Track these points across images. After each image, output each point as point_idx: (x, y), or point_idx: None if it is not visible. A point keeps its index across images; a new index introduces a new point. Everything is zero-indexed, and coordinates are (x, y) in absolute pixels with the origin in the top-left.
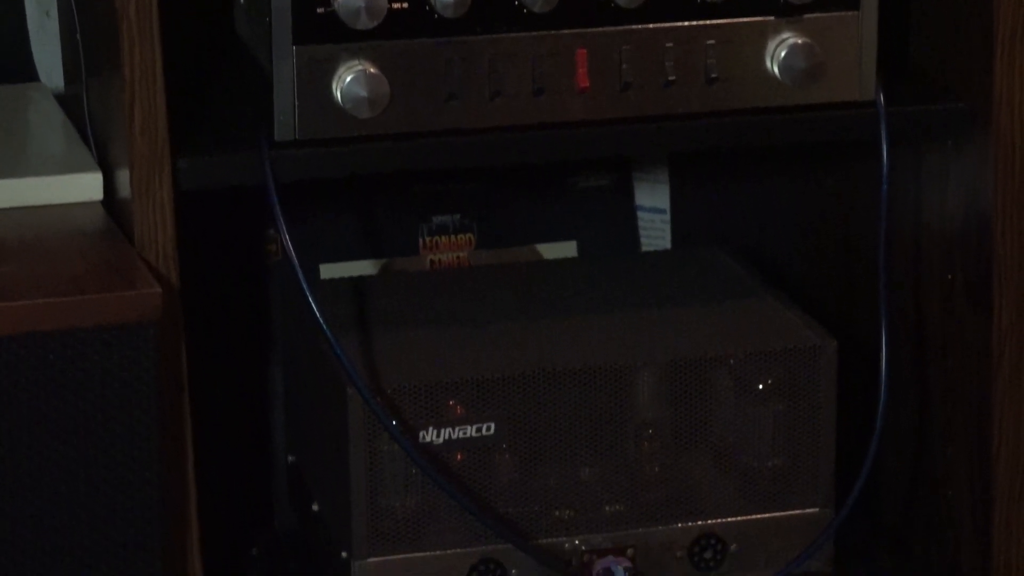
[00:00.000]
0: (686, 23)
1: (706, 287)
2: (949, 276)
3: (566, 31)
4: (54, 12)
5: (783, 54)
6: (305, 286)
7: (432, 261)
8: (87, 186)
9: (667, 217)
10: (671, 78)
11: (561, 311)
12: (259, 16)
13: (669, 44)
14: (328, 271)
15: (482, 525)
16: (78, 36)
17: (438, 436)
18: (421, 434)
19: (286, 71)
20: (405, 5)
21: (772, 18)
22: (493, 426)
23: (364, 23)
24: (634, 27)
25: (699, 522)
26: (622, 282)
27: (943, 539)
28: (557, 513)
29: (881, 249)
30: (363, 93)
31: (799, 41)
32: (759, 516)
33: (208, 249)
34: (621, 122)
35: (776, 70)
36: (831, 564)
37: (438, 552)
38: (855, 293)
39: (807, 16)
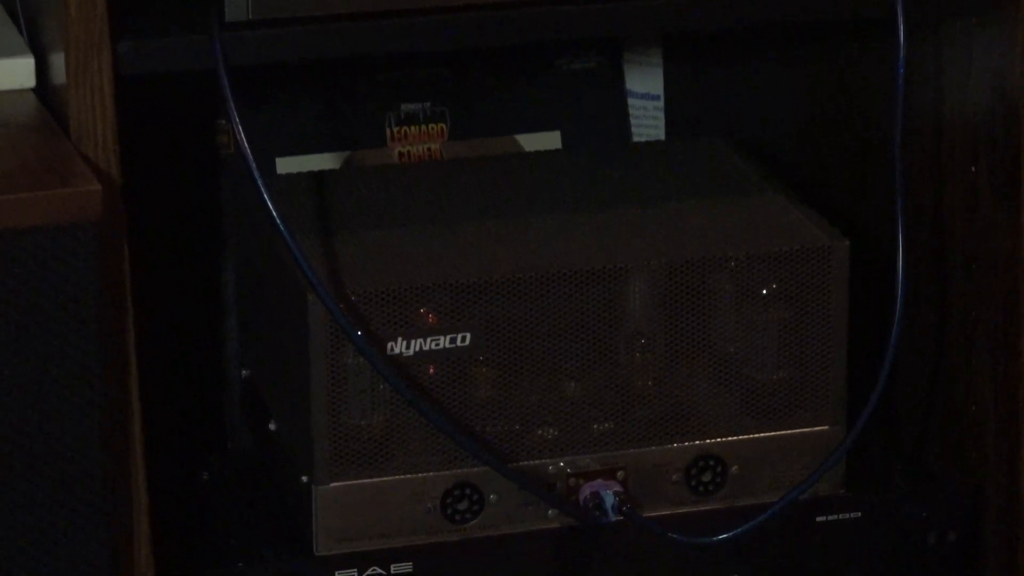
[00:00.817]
0: None
1: (705, 182)
2: (972, 169)
3: None
4: None
5: None
6: (260, 182)
7: (400, 154)
8: (17, 72)
9: (661, 104)
10: None
11: (544, 208)
12: None
13: None
14: (285, 165)
15: (457, 446)
16: None
17: (408, 348)
18: (389, 345)
19: None
20: None
21: None
22: (469, 336)
23: None
24: None
25: (697, 442)
26: (611, 176)
27: (965, 460)
28: (540, 432)
29: (897, 139)
30: None
31: None
32: (763, 435)
33: (153, 142)
34: None
35: None
36: (842, 487)
37: (408, 476)
38: (869, 189)
39: None
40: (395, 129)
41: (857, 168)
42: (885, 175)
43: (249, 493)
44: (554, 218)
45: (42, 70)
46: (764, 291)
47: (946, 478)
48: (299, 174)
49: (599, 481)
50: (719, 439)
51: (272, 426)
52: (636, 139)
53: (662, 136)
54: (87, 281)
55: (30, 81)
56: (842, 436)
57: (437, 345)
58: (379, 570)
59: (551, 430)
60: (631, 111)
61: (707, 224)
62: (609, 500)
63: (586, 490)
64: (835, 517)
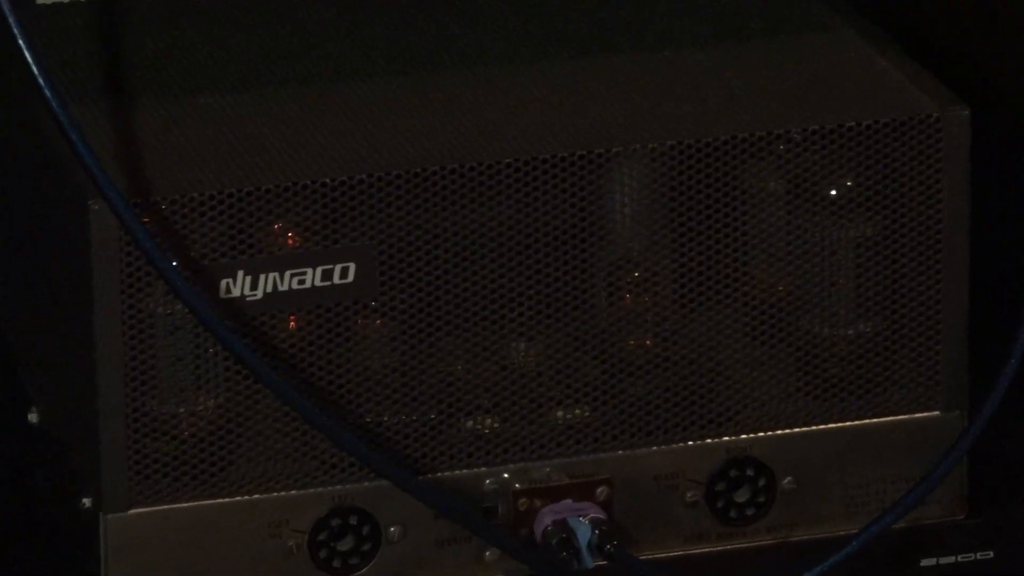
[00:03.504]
0: None
1: (739, 13)
2: None
3: None
4: None
5: None
6: (11, 17)
7: None
8: None
9: None
10: None
11: (477, 57)
12: None
13: None
14: None
15: (336, 447)
16: None
17: (255, 287)
18: (225, 283)
19: None
20: None
21: None
22: (352, 268)
23: None
24: None
25: (726, 438)
26: (596, 7)
27: None
28: (470, 424)
29: None
30: None
31: None
32: (832, 427)
33: None
34: None
35: None
36: (962, 510)
37: (257, 496)
38: (998, 26)
39: None
40: None
41: None
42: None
43: None
44: (495, 72)
45: None
46: (833, 191)
47: None
48: (74, 2)
49: (568, 503)
50: (761, 434)
51: (33, 417)
52: None
53: None
54: None
55: None
56: (961, 427)
57: (301, 283)
58: None
59: (488, 420)
60: None
61: (741, 82)
62: (584, 534)
63: (547, 517)
64: (951, 559)
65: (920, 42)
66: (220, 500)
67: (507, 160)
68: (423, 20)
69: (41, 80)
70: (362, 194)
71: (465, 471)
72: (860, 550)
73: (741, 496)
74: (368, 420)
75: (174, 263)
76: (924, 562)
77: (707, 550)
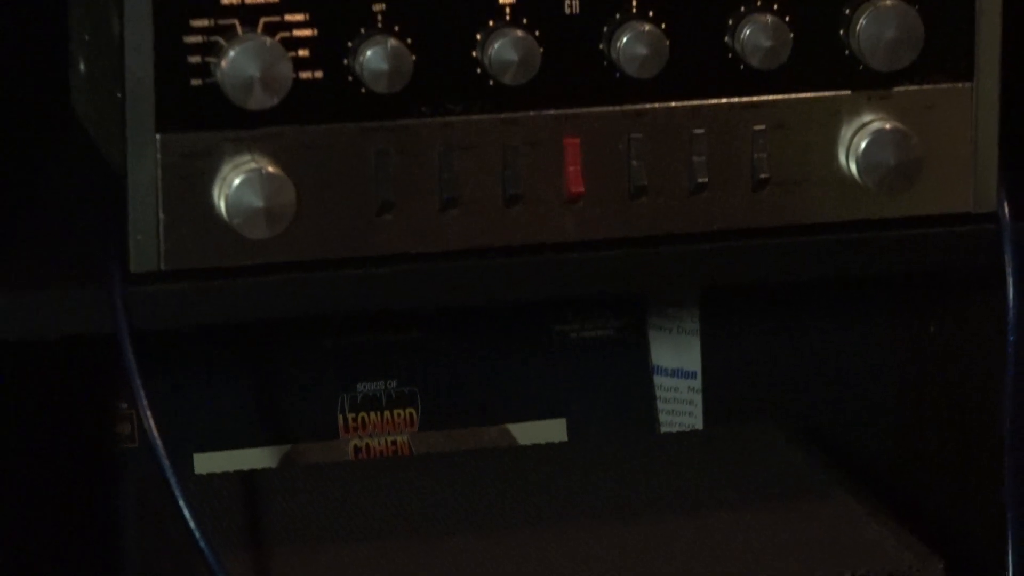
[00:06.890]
0: (724, 100)
1: (755, 484)
2: None
3: (550, 111)
4: None
5: (864, 145)
6: (175, 485)
7: (357, 448)
8: None
9: (698, 383)
10: (702, 180)
11: (545, 522)
12: (107, 90)
13: (699, 130)
14: (207, 463)
15: None
16: None
17: None
18: None
19: (146, 170)
20: (318, 74)
21: (848, 92)
22: None
23: (260, 101)
24: (648, 106)
25: None
26: (633, 478)
27: None
28: None
29: (1007, 422)
30: (258, 203)
31: (887, 126)
32: None
33: (30, 428)
34: (630, 244)
35: (853, 168)
36: None
37: None
38: (968, 493)
39: (898, 90)
40: (349, 416)
41: (953, 465)
42: (991, 475)
43: None
44: (559, 534)
45: None
46: None
47: None
48: (224, 475)
49: None
50: None
51: None
52: (665, 429)
53: (699, 424)
54: None
55: None
56: None
57: None
58: None
59: None
60: (658, 393)
61: (757, 540)
62: None
63: None
64: None
65: (905, 500)
66: None
67: None
68: (501, 491)
69: (198, 537)
70: None
71: None
72: None
73: None
74: None
75: None
76: None
77: None
